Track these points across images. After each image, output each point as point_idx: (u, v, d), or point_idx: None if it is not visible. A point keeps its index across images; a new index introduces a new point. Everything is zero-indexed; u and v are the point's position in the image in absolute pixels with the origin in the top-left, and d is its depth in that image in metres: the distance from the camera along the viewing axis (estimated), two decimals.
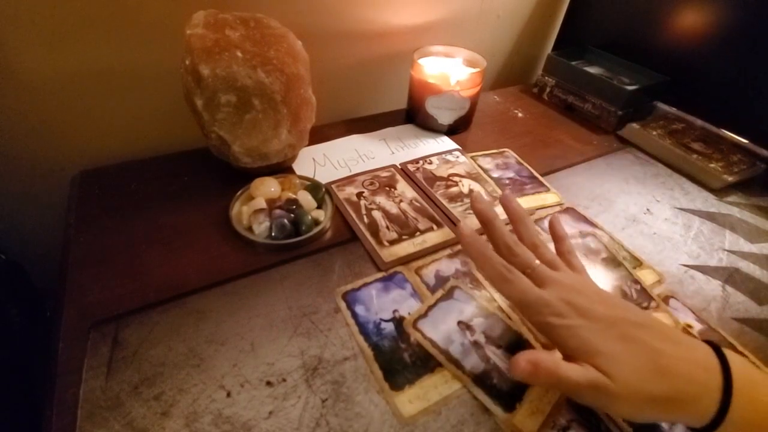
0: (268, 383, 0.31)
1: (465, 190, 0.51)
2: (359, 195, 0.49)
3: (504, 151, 0.59)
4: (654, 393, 0.25)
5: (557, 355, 0.29)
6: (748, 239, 0.48)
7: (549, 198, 0.51)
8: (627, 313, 0.29)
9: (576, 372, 0.26)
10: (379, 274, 0.40)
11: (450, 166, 0.55)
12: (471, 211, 0.48)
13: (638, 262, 0.44)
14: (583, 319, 0.27)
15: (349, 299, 0.38)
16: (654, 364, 0.25)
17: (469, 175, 0.54)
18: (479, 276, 0.41)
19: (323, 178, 0.51)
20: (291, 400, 0.30)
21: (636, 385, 0.25)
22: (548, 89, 0.74)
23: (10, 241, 0.53)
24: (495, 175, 0.54)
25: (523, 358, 0.27)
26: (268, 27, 0.45)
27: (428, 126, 0.62)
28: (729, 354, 0.26)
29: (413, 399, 0.31)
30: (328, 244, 0.43)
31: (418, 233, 0.45)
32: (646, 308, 0.39)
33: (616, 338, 0.27)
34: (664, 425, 0.31)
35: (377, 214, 0.46)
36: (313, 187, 0.47)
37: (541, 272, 0.31)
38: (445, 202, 0.49)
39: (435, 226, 0.46)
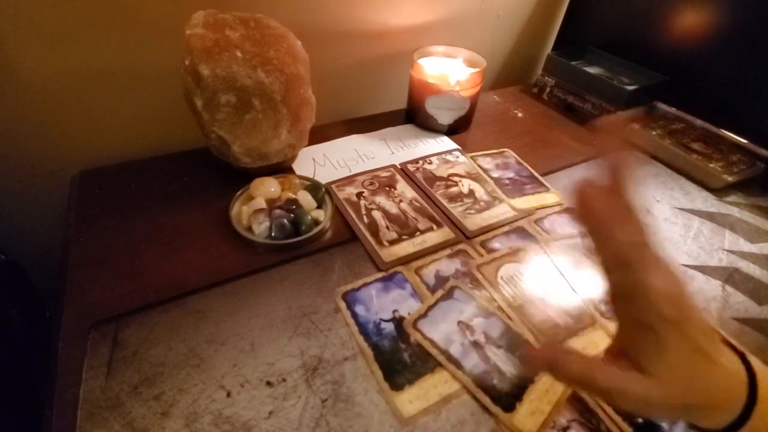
0: (268, 383, 0.31)
1: (465, 190, 0.51)
2: (359, 195, 0.49)
3: (504, 151, 0.59)
4: (688, 402, 0.24)
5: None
6: (748, 239, 0.48)
7: (549, 198, 0.51)
8: (699, 314, 0.25)
9: (602, 376, 0.24)
10: (379, 274, 0.40)
11: (450, 166, 0.55)
12: (471, 211, 0.48)
13: None
14: (678, 323, 0.24)
15: (349, 299, 0.38)
16: (702, 376, 0.24)
17: (469, 175, 0.54)
18: (479, 276, 0.41)
19: (323, 178, 0.51)
20: (291, 400, 0.30)
21: (675, 392, 0.24)
22: (548, 89, 0.74)
23: (10, 241, 0.53)
24: (495, 175, 0.55)
25: (539, 352, 0.26)
26: (268, 27, 0.45)
27: (428, 126, 0.62)
28: (755, 364, 0.25)
29: (413, 399, 0.31)
30: (328, 244, 0.43)
31: (418, 233, 0.45)
32: None
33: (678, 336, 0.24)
34: (664, 425, 0.31)
35: (377, 214, 0.46)
36: (313, 187, 0.47)
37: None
38: (445, 202, 0.49)
39: (435, 226, 0.46)
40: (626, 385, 0.24)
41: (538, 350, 0.26)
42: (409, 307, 0.37)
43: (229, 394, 0.31)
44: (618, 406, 0.27)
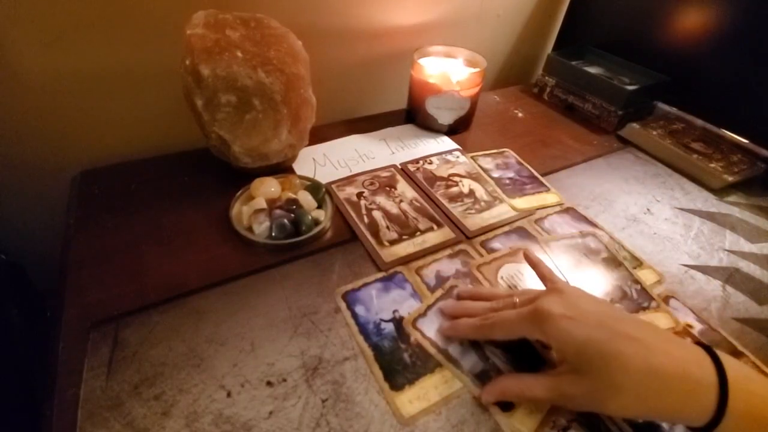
0: (269, 383, 0.31)
1: (465, 190, 0.51)
2: (359, 195, 0.49)
3: (504, 151, 0.59)
4: (648, 392, 0.25)
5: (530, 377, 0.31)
6: (749, 239, 0.48)
7: (549, 198, 0.51)
8: (615, 311, 0.30)
9: (542, 389, 0.29)
10: (380, 274, 0.40)
11: (450, 166, 0.55)
12: (471, 211, 0.48)
13: (638, 262, 0.44)
14: (573, 319, 0.28)
15: (349, 299, 0.38)
16: (646, 363, 0.25)
17: (470, 175, 0.54)
18: (479, 276, 0.41)
19: (323, 178, 0.51)
20: (291, 400, 0.30)
21: (627, 385, 0.25)
22: (548, 89, 0.74)
23: (10, 241, 0.53)
24: (495, 175, 0.54)
25: (486, 391, 0.31)
26: (269, 27, 0.45)
27: (428, 126, 0.62)
28: (721, 353, 0.26)
29: (413, 399, 0.31)
30: (328, 244, 0.43)
31: (418, 233, 0.44)
32: (647, 308, 0.39)
33: (607, 336, 0.27)
34: (665, 425, 0.31)
35: (377, 214, 0.46)
36: (313, 187, 0.47)
37: (525, 299, 0.32)
38: (445, 202, 0.49)
39: (435, 226, 0.46)
40: (565, 389, 0.28)
41: (486, 392, 0.31)
42: (409, 307, 0.37)
43: (229, 394, 0.31)
44: (571, 408, 0.30)
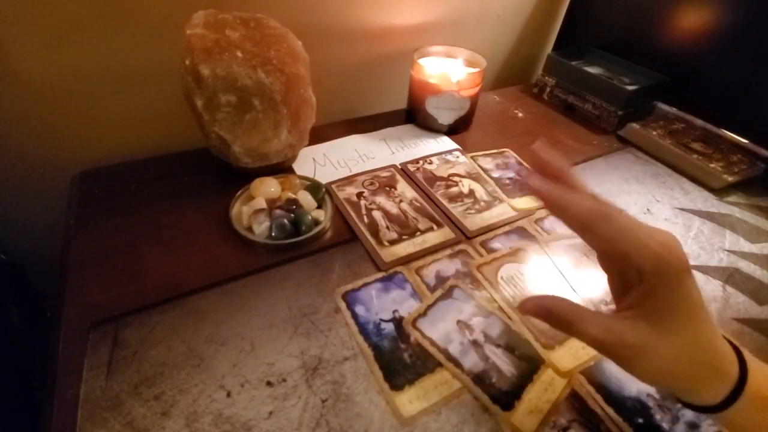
0: (269, 383, 0.31)
1: (465, 191, 0.51)
2: (359, 195, 0.49)
3: (504, 151, 0.59)
4: (690, 357, 0.24)
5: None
6: (748, 239, 0.48)
7: None
8: None
9: (596, 328, 0.24)
10: (379, 274, 0.40)
11: (450, 166, 0.55)
12: (471, 211, 0.48)
13: None
14: None
15: (349, 299, 0.38)
16: (703, 339, 0.24)
17: (469, 175, 0.54)
18: (479, 276, 0.41)
19: (323, 178, 0.51)
20: (291, 401, 0.30)
21: (679, 350, 0.23)
22: (548, 89, 0.74)
23: (10, 241, 0.53)
24: (495, 175, 0.54)
25: (530, 301, 0.26)
26: (268, 27, 0.45)
27: (428, 126, 0.62)
28: (744, 351, 0.26)
29: (413, 399, 0.31)
30: (328, 244, 0.43)
31: (418, 233, 0.45)
32: None
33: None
34: (665, 425, 0.31)
35: (377, 214, 0.46)
36: (313, 187, 0.47)
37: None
38: (445, 202, 0.49)
39: (435, 226, 0.46)
40: (626, 335, 0.24)
41: (530, 299, 0.26)
42: (409, 308, 0.37)
43: (229, 394, 0.31)
44: (612, 358, 0.25)
